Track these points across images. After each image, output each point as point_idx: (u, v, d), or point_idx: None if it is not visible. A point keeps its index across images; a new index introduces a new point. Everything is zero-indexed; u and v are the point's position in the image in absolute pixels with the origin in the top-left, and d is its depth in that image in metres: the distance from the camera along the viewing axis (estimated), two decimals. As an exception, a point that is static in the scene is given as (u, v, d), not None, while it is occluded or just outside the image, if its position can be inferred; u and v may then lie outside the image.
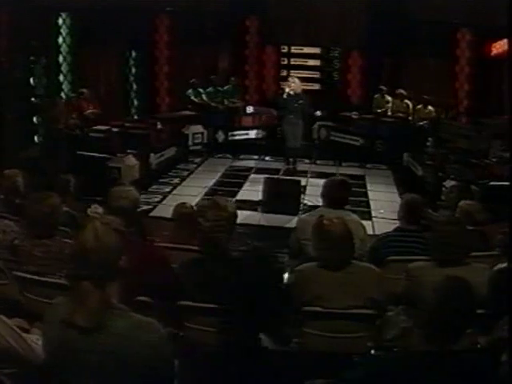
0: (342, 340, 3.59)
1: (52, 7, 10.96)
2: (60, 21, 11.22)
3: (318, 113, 11.63)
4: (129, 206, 3.84)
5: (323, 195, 4.81)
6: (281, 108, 10.56)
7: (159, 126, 10.68)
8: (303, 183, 9.92)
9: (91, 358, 2.20)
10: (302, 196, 9.09)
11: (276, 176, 9.47)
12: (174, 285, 3.47)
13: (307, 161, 11.35)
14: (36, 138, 10.46)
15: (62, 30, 11.28)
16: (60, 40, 11.25)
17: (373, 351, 3.78)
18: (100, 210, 4.78)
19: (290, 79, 10.55)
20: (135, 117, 12.52)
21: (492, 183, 8.18)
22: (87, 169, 9.11)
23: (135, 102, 12.89)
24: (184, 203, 5.15)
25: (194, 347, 3.28)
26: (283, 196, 8.39)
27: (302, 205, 8.81)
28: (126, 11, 11.21)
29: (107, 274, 2.27)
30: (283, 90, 10.43)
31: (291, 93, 10.21)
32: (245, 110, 12.55)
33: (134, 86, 12.84)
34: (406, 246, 4.60)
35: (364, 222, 8.16)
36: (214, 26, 13.13)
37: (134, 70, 12.77)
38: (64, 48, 11.33)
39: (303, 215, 4.93)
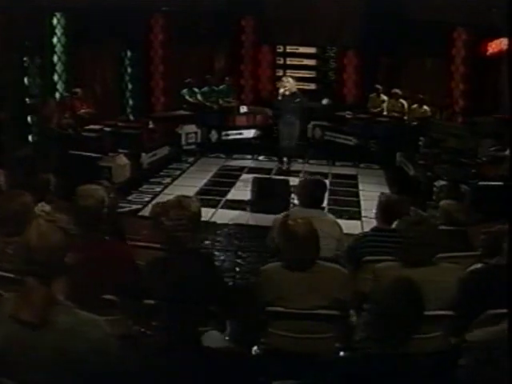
0: (308, 341, 3.58)
1: (47, 7, 11.01)
2: (55, 21, 11.26)
3: (325, 101, 11.51)
4: (95, 205, 3.83)
5: (298, 195, 4.81)
6: (277, 109, 10.55)
7: (151, 126, 10.68)
8: (295, 183, 9.92)
9: (37, 354, 2.22)
10: (292, 195, 9.07)
11: (264, 176, 9.46)
12: (137, 283, 3.47)
13: (300, 160, 11.34)
14: (30, 138, 10.56)
15: (56, 30, 11.32)
16: (55, 40, 11.29)
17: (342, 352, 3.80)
18: (47, 208, 4.79)
19: (283, 79, 10.54)
20: (131, 116, 12.55)
21: (481, 183, 8.16)
22: (79, 168, 9.17)
23: (130, 102, 12.93)
24: (160, 203, 5.13)
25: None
26: (272, 196, 8.38)
27: (291, 204, 8.78)
28: (122, 11, 11.22)
29: (51, 272, 2.28)
30: (278, 91, 10.40)
31: (287, 93, 10.20)
32: (239, 109, 12.52)
33: (130, 86, 12.86)
34: (382, 245, 4.58)
35: (353, 222, 8.32)
36: (209, 26, 13.13)
37: (129, 70, 12.78)
38: (58, 48, 11.35)
39: (279, 214, 4.90)
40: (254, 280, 3.84)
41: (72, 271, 2.39)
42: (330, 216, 4.78)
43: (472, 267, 4.18)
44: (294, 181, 10.08)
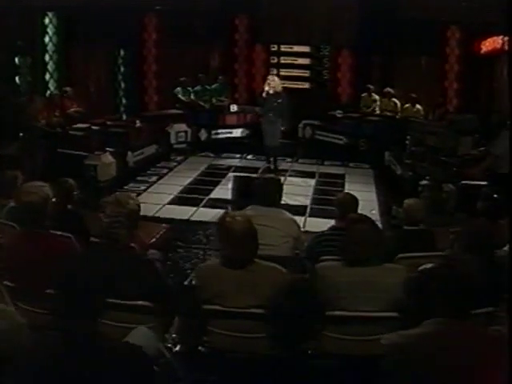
0: (247, 340, 3.56)
1: (40, 7, 11.08)
2: (46, 20, 11.33)
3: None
4: (38, 202, 3.85)
5: (254, 193, 4.79)
6: (261, 107, 10.55)
7: (138, 125, 10.70)
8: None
9: None
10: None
11: (244, 174, 9.44)
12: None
13: (289, 159, 11.32)
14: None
15: (48, 30, 11.39)
16: (46, 39, 11.36)
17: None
18: None
19: (269, 77, 10.52)
20: (123, 115, 12.60)
21: (465, 182, 8.08)
22: (65, 166, 9.21)
23: (124, 101, 12.98)
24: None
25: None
26: (251, 194, 8.33)
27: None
28: (115, 10, 11.26)
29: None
30: (263, 89, 10.39)
31: (271, 91, 10.20)
32: (229, 108, 12.52)
33: (123, 85, 12.93)
34: (339, 244, 4.55)
35: (330, 221, 8.26)
36: (203, 25, 13.13)
37: (122, 69, 12.86)
38: (50, 47, 11.44)
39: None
40: (192, 277, 3.83)
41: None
42: (288, 214, 4.75)
43: (422, 267, 4.15)
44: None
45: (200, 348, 3.73)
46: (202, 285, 3.57)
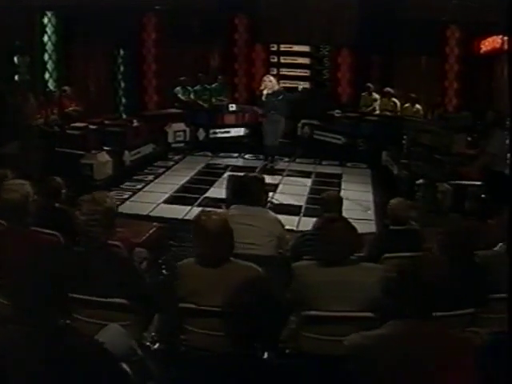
0: (222, 339, 3.56)
1: (39, 6, 11.12)
2: (45, 20, 11.38)
3: (300, 86, 11.38)
4: (18, 199, 3.88)
5: (237, 192, 4.79)
6: (261, 108, 10.59)
7: (135, 124, 10.72)
8: (275, 181, 9.91)
9: None
10: (270, 194, 9.06)
11: (239, 173, 9.43)
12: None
13: (287, 159, 11.32)
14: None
15: (47, 29, 11.43)
16: (45, 39, 11.41)
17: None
18: None
19: (265, 78, 10.52)
20: (123, 115, 12.63)
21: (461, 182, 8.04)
22: (62, 165, 9.25)
23: (123, 100, 13.01)
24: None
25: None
26: (246, 193, 8.33)
27: (268, 203, 8.75)
28: (114, 9, 11.28)
29: None
30: (261, 91, 10.40)
31: (269, 92, 10.22)
32: (228, 107, 12.53)
33: (122, 84, 12.96)
34: (315, 244, 4.55)
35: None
36: (202, 25, 13.14)
37: (122, 69, 12.89)
38: (49, 46, 11.48)
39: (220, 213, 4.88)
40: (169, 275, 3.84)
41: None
42: (271, 213, 4.75)
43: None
44: (275, 179, 10.14)
45: (178, 346, 3.75)
46: (177, 283, 3.57)
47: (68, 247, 3.84)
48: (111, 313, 3.61)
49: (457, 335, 2.42)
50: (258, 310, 2.30)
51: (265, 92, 10.21)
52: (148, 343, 3.97)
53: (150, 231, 6.17)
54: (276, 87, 10.26)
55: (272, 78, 10.46)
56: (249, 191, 4.68)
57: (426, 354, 2.20)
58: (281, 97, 10.14)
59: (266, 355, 3.92)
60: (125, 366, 3.02)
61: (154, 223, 6.66)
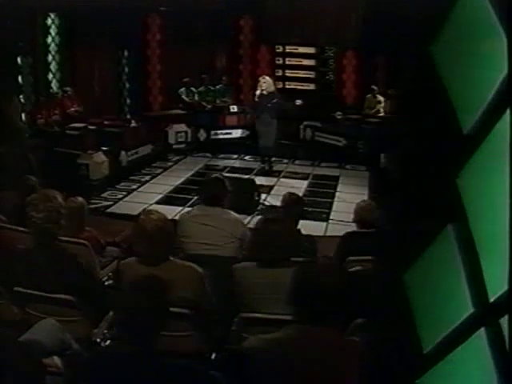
0: (169, 338, 3.55)
1: (43, 7, 11.25)
2: (49, 21, 11.51)
3: (298, 101, 11.34)
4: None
5: (199, 193, 4.79)
6: (255, 109, 10.55)
7: (133, 124, 10.79)
8: (270, 183, 9.88)
9: None
10: (264, 195, 9.04)
11: (230, 175, 9.42)
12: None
13: (286, 161, 11.28)
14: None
15: (51, 30, 11.56)
16: (49, 40, 11.53)
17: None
18: None
19: (260, 79, 10.48)
20: (127, 116, 12.70)
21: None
22: (59, 165, 9.38)
23: (128, 101, 13.09)
24: (75, 197, 5.20)
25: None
26: (237, 195, 8.32)
27: (260, 205, 8.75)
28: (119, 11, 11.37)
29: None
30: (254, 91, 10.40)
31: (264, 93, 10.18)
32: (229, 109, 12.53)
33: (127, 85, 13.04)
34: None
35: (319, 223, 8.20)
36: (207, 26, 13.17)
37: (126, 70, 12.96)
38: (53, 47, 11.60)
39: (183, 212, 4.89)
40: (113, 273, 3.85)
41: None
42: (233, 214, 4.71)
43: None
44: (271, 180, 10.11)
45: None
46: (121, 281, 3.59)
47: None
48: (59, 308, 3.67)
49: (349, 342, 2.36)
50: (148, 310, 2.29)
51: (257, 92, 10.19)
52: (98, 340, 4.00)
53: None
54: (271, 88, 10.21)
55: (268, 78, 10.40)
56: (209, 192, 4.66)
57: (314, 359, 2.16)
58: (275, 100, 10.09)
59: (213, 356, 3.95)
60: (56, 359, 3.06)
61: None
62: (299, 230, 4.70)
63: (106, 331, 4.02)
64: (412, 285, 1.49)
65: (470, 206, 1.34)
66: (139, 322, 2.30)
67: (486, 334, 1.26)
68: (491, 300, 1.26)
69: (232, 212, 4.74)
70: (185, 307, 3.48)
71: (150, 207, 8.60)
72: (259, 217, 4.30)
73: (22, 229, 4.48)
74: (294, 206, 4.68)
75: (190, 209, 5.59)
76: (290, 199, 4.82)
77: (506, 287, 1.20)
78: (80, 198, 5.21)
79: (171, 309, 3.41)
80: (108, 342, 3.99)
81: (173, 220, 5.07)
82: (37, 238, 3.76)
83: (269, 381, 2.26)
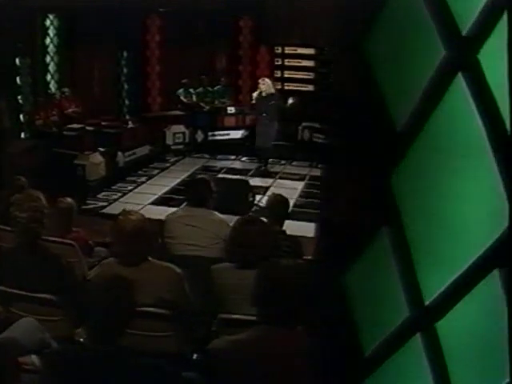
0: (145, 338, 3.56)
1: (42, 7, 11.28)
2: (48, 22, 11.54)
3: (291, 100, 11.36)
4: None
5: (185, 194, 4.79)
6: (254, 110, 10.57)
7: (130, 126, 10.81)
8: (266, 184, 9.88)
9: None
10: (259, 197, 9.04)
11: (224, 176, 9.45)
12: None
13: (283, 162, 11.27)
14: (23, 135, 10.89)
15: (49, 32, 11.60)
16: (47, 41, 11.57)
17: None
18: None
19: (260, 81, 10.50)
20: (127, 116, 12.72)
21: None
22: (56, 165, 9.43)
23: (127, 102, 13.11)
24: (64, 198, 5.22)
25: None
26: (231, 196, 8.33)
27: (254, 206, 8.75)
28: (118, 11, 11.39)
29: None
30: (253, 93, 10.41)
31: (263, 94, 10.20)
32: (226, 110, 12.54)
33: (126, 86, 13.06)
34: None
35: (311, 224, 8.17)
36: (206, 27, 13.17)
37: (125, 70, 12.99)
38: (51, 48, 11.64)
39: (169, 214, 4.90)
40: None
41: None
42: (218, 215, 4.71)
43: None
44: (267, 182, 10.10)
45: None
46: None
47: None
48: (42, 307, 3.69)
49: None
50: (113, 309, 2.30)
51: (254, 94, 10.21)
52: (82, 339, 4.01)
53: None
54: (271, 90, 10.22)
55: (268, 80, 10.44)
56: (194, 193, 4.66)
57: (275, 360, 2.16)
58: (272, 102, 10.10)
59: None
60: (34, 358, 3.07)
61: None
62: (284, 231, 4.70)
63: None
64: (352, 287, 1.48)
65: (404, 208, 1.34)
66: (100, 321, 2.30)
67: (421, 339, 1.25)
68: (426, 303, 1.25)
69: (217, 213, 4.75)
70: (164, 308, 3.48)
71: (145, 208, 8.63)
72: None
73: (9, 228, 4.51)
74: (279, 207, 4.68)
75: (176, 209, 5.57)
76: (275, 200, 4.81)
77: (441, 290, 1.19)
78: (68, 199, 5.24)
79: (150, 309, 3.49)
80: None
81: (159, 220, 5.09)
82: (20, 238, 3.79)
83: (233, 381, 2.26)
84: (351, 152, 1.55)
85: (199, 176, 5.15)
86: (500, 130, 1.07)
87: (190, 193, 4.74)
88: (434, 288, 1.21)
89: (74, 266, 4.02)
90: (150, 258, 3.55)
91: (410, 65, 1.32)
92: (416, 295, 1.25)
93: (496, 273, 1.08)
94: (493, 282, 1.08)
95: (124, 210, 3.65)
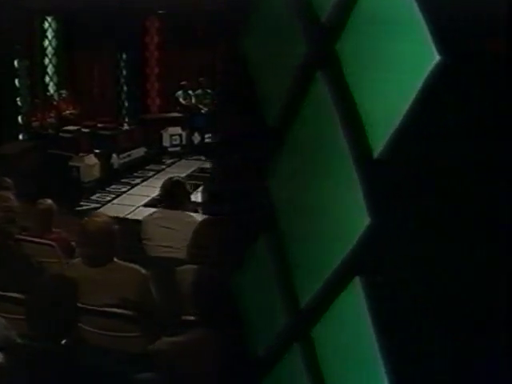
0: (114, 338, 3.59)
1: (41, 10, 11.35)
2: (46, 24, 11.62)
3: None
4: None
5: (160, 196, 4.81)
6: None
7: (126, 127, 10.84)
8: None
9: None
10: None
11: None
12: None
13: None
14: (21, 137, 10.97)
15: (47, 34, 11.67)
16: (46, 43, 11.64)
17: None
18: None
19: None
20: (126, 118, 12.76)
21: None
22: (51, 166, 9.48)
23: (126, 104, 13.16)
24: (43, 200, 5.24)
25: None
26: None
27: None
28: (117, 13, 11.43)
29: None
30: None
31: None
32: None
33: (125, 88, 13.11)
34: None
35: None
36: (206, 28, 13.17)
37: (124, 72, 13.04)
38: (50, 51, 11.71)
39: (146, 215, 4.92)
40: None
41: None
42: (194, 217, 4.71)
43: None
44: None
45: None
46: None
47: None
48: (13, 306, 3.71)
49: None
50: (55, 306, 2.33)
51: None
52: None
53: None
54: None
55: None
56: (170, 195, 4.67)
57: (207, 362, 2.17)
58: None
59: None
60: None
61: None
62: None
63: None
64: (244, 290, 1.48)
65: (282, 212, 1.32)
66: (42, 319, 2.33)
67: (299, 349, 1.24)
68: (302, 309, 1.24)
69: (193, 214, 4.75)
70: (128, 308, 3.49)
71: (138, 210, 8.66)
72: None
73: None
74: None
75: (154, 210, 5.58)
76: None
77: (311, 296, 1.18)
78: (48, 200, 5.25)
79: (115, 310, 3.51)
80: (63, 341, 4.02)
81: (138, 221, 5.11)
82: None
83: (174, 381, 2.27)
84: (232, 150, 1.54)
85: (174, 178, 5.12)
86: (361, 139, 1.05)
87: (165, 195, 4.74)
88: (308, 294, 1.20)
89: (45, 266, 4.04)
90: (115, 259, 3.57)
91: (279, 64, 1.31)
92: (291, 301, 1.24)
93: (357, 280, 1.05)
94: (354, 289, 1.06)
95: (92, 213, 3.68)
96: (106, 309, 3.48)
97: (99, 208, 8.84)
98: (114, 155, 10.18)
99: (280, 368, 1.31)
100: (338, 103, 1.09)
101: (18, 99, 11.03)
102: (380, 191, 0.99)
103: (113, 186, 9.79)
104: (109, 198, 9.25)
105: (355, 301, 1.03)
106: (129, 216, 8.37)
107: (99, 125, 10.84)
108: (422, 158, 0.93)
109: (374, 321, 0.98)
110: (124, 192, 9.56)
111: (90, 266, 3.52)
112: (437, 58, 0.86)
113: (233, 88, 1.55)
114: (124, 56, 12.91)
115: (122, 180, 10.12)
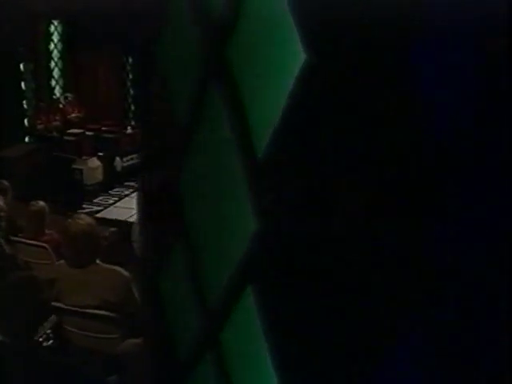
0: (97, 339, 3.60)
1: (46, 13, 11.43)
2: (52, 28, 11.71)
3: None
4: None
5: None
6: None
7: (129, 131, 10.88)
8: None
9: None
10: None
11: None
12: None
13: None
14: (27, 139, 11.07)
15: (53, 37, 11.76)
16: (51, 46, 11.73)
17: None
18: None
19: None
20: (132, 122, 12.78)
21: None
22: (54, 169, 9.56)
23: (132, 107, 13.18)
24: (37, 202, 5.28)
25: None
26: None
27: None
28: (123, 17, 11.46)
29: None
30: None
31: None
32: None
33: (131, 91, 13.14)
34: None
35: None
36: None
37: (131, 76, 13.07)
38: (55, 54, 11.80)
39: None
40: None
41: None
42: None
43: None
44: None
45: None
46: (51, 282, 3.65)
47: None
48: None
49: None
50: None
51: None
52: (41, 339, 4.05)
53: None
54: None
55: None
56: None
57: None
58: None
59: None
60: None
61: (111, 228, 6.74)
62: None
63: (49, 331, 4.06)
64: (164, 292, 1.46)
65: (190, 220, 1.28)
66: (5, 319, 2.34)
67: (210, 353, 1.21)
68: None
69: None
70: (109, 310, 3.50)
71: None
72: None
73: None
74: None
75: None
76: None
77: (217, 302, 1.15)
78: (41, 202, 5.29)
79: (96, 311, 3.52)
80: (50, 341, 4.03)
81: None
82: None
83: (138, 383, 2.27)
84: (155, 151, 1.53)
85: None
86: (246, 142, 1.02)
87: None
88: (214, 297, 1.17)
89: (30, 267, 4.07)
90: (98, 261, 3.58)
91: (186, 53, 1.28)
92: (201, 304, 1.22)
93: (249, 289, 1.02)
94: (247, 296, 1.03)
95: (76, 215, 3.71)
96: (88, 310, 3.48)
97: (101, 211, 8.88)
98: (118, 158, 10.21)
99: (197, 372, 1.29)
100: (227, 107, 1.07)
101: (23, 102, 11.11)
102: (264, 194, 0.97)
103: (115, 189, 9.81)
104: (111, 201, 9.27)
105: (249, 306, 1.01)
106: (131, 219, 8.37)
107: (103, 128, 10.89)
108: (299, 158, 0.91)
109: (265, 327, 0.96)
110: (127, 195, 9.57)
111: (72, 267, 3.54)
112: (303, 58, 0.85)
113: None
114: (130, 59, 12.93)
115: (125, 183, 10.13)
